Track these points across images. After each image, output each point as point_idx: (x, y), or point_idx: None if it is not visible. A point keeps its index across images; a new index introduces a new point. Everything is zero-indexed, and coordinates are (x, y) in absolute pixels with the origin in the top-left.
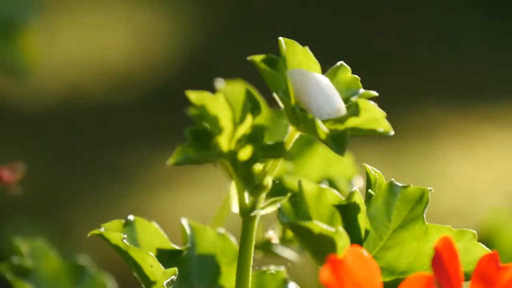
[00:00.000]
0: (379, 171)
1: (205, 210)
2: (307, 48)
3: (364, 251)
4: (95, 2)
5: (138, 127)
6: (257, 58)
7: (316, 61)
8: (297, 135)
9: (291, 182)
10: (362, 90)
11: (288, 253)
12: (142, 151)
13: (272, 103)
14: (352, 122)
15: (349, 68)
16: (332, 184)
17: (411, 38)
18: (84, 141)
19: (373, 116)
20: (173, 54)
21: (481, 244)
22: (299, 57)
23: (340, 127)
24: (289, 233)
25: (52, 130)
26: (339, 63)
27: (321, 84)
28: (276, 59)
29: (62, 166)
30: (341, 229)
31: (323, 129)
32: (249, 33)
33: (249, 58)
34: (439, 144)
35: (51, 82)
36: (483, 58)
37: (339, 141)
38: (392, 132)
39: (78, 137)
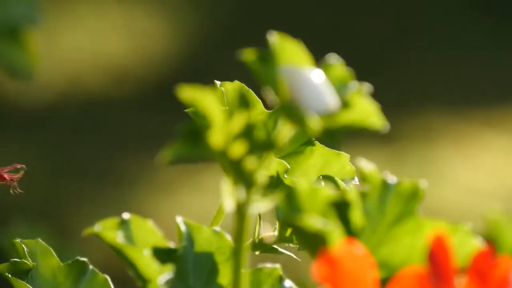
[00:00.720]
0: (373, 167)
1: (207, 212)
2: (298, 41)
3: (358, 245)
4: (94, 6)
5: (138, 129)
6: (247, 53)
7: (308, 55)
8: (290, 131)
9: (289, 180)
10: (355, 85)
11: (285, 250)
12: (143, 154)
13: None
14: (345, 117)
15: (341, 62)
16: (330, 181)
17: (411, 41)
18: (84, 144)
19: (366, 111)
20: (171, 55)
21: (476, 238)
22: (290, 52)
23: (333, 122)
24: (286, 230)
25: (51, 133)
26: (331, 57)
27: (312, 80)
28: (266, 54)
29: (62, 167)
30: (335, 226)
31: (315, 125)
32: (247, 33)
33: (239, 52)
34: (438, 149)
35: (51, 83)
36: (484, 62)
37: (332, 137)
38: (386, 127)
39: (78, 140)
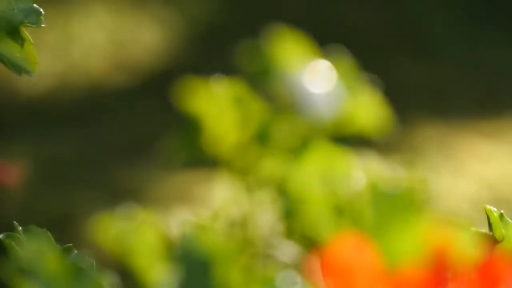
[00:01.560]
0: (375, 166)
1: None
2: (299, 34)
3: (360, 244)
4: (82, 12)
5: (136, 131)
6: (244, 50)
7: (309, 50)
8: (290, 133)
9: (289, 179)
10: (356, 87)
11: (287, 251)
12: (144, 165)
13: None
14: (346, 120)
15: (344, 64)
16: (331, 182)
17: (403, 50)
18: (82, 148)
19: (367, 116)
20: (167, 52)
21: (478, 240)
22: (291, 48)
23: (333, 125)
24: (287, 229)
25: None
26: (334, 58)
27: (311, 85)
28: (265, 52)
29: (60, 167)
30: (337, 225)
31: (313, 128)
32: (246, 32)
33: (237, 50)
34: (430, 159)
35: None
36: (480, 71)
37: (332, 140)
38: (386, 131)
39: (74, 148)
